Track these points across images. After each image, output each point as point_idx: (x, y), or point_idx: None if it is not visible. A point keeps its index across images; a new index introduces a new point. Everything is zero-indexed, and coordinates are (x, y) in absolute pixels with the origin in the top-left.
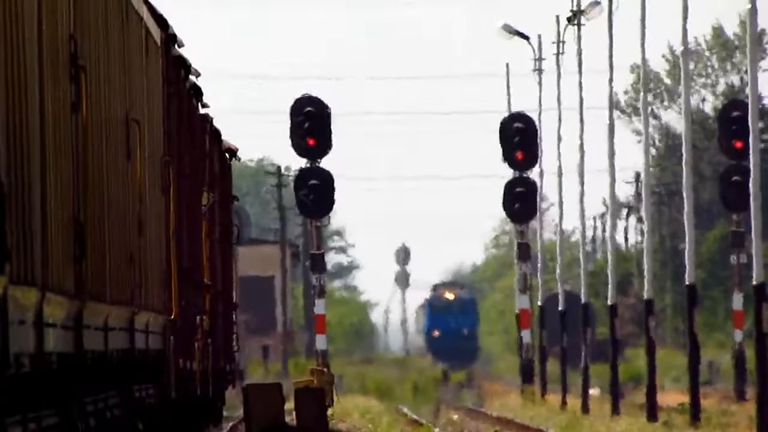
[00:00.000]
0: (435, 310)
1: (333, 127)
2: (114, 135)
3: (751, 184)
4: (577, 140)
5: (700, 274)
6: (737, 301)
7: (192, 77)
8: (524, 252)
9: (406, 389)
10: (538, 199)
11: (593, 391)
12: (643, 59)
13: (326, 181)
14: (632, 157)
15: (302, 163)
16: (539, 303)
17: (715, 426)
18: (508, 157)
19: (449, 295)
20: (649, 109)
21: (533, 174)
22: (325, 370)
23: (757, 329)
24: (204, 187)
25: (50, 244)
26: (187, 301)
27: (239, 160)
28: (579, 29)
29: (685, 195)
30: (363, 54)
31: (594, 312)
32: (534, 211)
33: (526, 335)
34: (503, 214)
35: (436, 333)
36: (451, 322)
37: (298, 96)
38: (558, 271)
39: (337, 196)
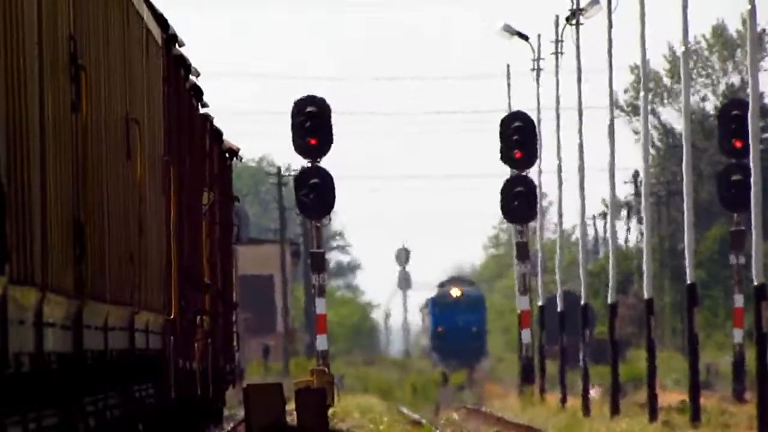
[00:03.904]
0: (441, 307)
1: (333, 126)
2: (114, 135)
3: (752, 184)
4: (576, 140)
5: (699, 274)
6: (738, 301)
7: (192, 77)
8: (523, 252)
9: (407, 390)
10: (538, 199)
11: (593, 392)
12: (643, 59)
13: (326, 181)
14: (632, 156)
15: (303, 162)
16: (539, 303)
17: (716, 426)
18: (507, 156)
19: (456, 292)
20: (649, 108)
21: (532, 173)
22: (326, 369)
23: (757, 329)
24: (204, 187)
25: (50, 244)
26: (187, 301)
27: (240, 160)
28: (578, 29)
29: (685, 195)
30: (363, 54)
31: (593, 312)
32: (533, 211)
33: (526, 335)
34: (501, 214)
35: (442, 331)
36: (459, 320)
37: (299, 96)
38: (558, 271)
39: (337, 196)
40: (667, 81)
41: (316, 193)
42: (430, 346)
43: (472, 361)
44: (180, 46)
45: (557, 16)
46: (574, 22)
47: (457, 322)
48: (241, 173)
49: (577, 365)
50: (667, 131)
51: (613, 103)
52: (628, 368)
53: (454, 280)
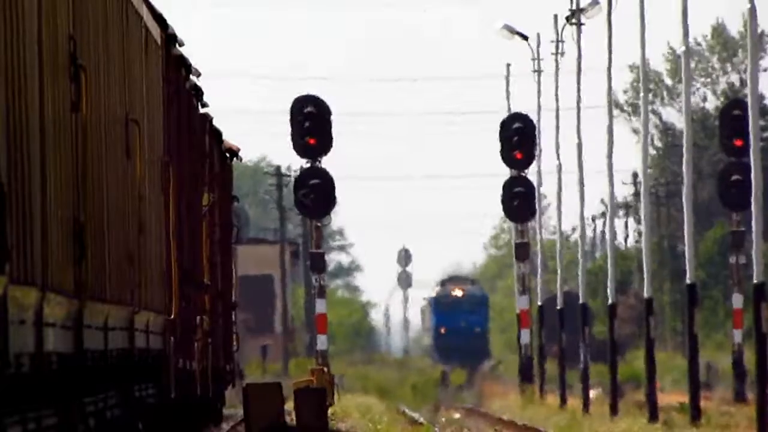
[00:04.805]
0: (443, 307)
1: (333, 126)
2: (114, 135)
3: (753, 184)
4: (576, 139)
5: (699, 274)
6: (736, 301)
7: (192, 77)
8: (523, 252)
9: (407, 389)
10: (537, 199)
11: (593, 392)
12: (643, 59)
13: (326, 181)
14: (631, 156)
15: (302, 162)
16: (539, 303)
17: (715, 426)
18: (507, 156)
19: (458, 292)
20: (649, 107)
21: (532, 173)
22: (325, 369)
23: (757, 329)
24: (204, 187)
25: (50, 244)
26: (187, 301)
27: (240, 160)
28: (578, 28)
29: (685, 195)
30: (363, 54)
31: (592, 312)
32: (533, 211)
33: (525, 335)
34: (503, 213)
35: (444, 332)
36: (461, 320)
37: (298, 96)
38: (558, 270)
39: (337, 196)
40: (667, 80)
41: (316, 193)
42: (432, 347)
43: (475, 362)
44: (180, 45)
45: (557, 16)
46: (574, 21)
47: (459, 323)
48: (241, 173)
49: (577, 365)
50: (667, 131)
51: (613, 103)
52: (627, 368)
53: (455, 279)
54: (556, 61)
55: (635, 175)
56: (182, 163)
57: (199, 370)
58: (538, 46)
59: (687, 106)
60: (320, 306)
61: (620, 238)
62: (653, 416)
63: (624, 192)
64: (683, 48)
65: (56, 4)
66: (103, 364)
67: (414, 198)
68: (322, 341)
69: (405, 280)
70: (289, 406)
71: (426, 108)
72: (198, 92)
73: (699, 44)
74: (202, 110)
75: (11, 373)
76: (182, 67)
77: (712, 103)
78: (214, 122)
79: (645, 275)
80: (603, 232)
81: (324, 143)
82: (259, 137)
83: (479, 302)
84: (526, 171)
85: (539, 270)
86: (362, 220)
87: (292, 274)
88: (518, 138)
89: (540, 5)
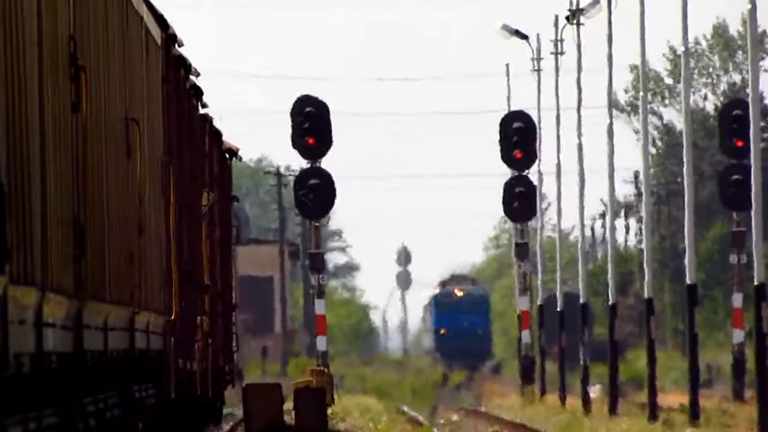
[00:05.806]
0: (443, 308)
1: (333, 126)
2: (114, 135)
3: (753, 184)
4: (576, 139)
5: (699, 274)
6: (737, 300)
7: (192, 77)
8: (523, 251)
9: (406, 390)
10: (537, 199)
11: (593, 392)
12: (643, 59)
13: (326, 181)
14: (632, 156)
15: (302, 163)
16: (539, 303)
17: (715, 426)
18: (507, 156)
19: (459, 292)
20: (649, 107)
21: (532, 173)
22: (325, 370)
23: (757, 329)
24: (204, 187)
25: (50, 244)
26: (187, 301)
27: (240, 160)
28: (578, 28)
29: (686, 195)
30: (363, 54)
31: (592, 312)
32: (533, 211)
33: (526, 336)
34: (503, 213)
35: (445, 333)
36: (463, 320)
37: (298, 96)
38: (558, 271)
39: (337, 196)
40: (667, 80)
41: (315, 193)
42: (433, 348)
43: (477, 363)
44: (180, 46)
45: (557, 16)
46: (574, 21)
47: (461, 323)
48: (240, 173)
49: (578, 365)
50: (667, 131)
51: (613, 103)
52: (627, 368)
53: (456, 279)
54: (557, 60)
55: (636, 175)
56: (182, 163)
57: (199, 371)
58: (538, 45)
59: (687, 106)
60: (319, 306)
61: (621, 238)
62: (653, 416)
63: (624, 191)
64: (683, 48)
65: (56, 4)
66: (103, 364)
67: (414, 198)
68: (321, 342)
69: (404, 280)
70: (289, 406)
71: (426, 108)
72: (198, 92)
73: (699, 44)
74: (202, 110)
75: (11, 373)
76: (182, 67)
77: (712, 104)
78: (214, 122)
79: (646, 275)
80: (603, 232)
81: (324, 143)
82: (259, 137)
83: (480, 301)
84: (527, 171)
85: (539, 270)
86: (361, 220)
87: (292, 274)
88: (518, 137)
89: (540, 5)
